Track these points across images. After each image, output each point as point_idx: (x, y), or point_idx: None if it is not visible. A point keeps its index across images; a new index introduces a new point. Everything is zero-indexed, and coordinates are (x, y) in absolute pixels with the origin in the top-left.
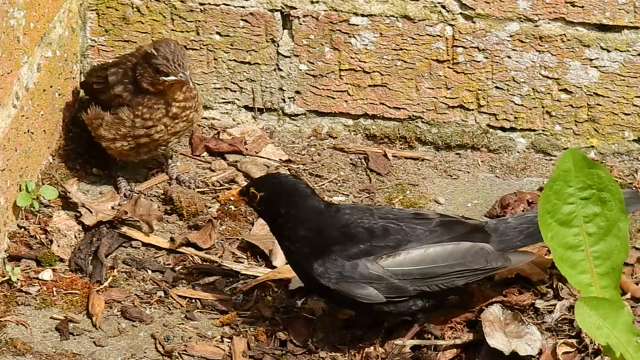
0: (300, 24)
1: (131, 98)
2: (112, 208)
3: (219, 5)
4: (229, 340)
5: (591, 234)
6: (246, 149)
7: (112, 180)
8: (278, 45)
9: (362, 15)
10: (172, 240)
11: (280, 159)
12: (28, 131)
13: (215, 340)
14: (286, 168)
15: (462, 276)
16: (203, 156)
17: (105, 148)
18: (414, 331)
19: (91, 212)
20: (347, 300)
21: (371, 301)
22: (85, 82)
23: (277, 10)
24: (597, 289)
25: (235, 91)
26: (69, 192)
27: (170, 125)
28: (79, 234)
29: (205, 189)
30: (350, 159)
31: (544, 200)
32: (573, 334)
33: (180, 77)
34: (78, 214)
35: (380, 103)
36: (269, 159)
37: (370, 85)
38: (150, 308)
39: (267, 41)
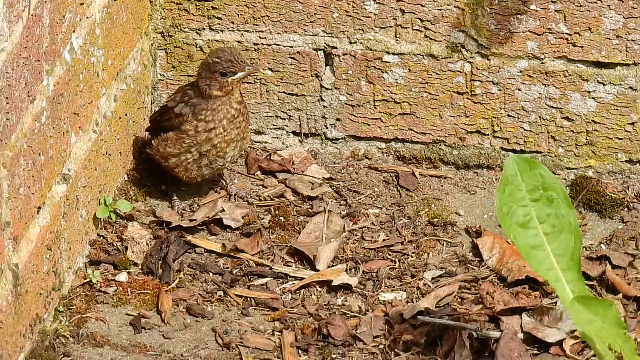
0: (340, 61)
1: (193, 110)
2: (182, 219)
3: (270, 45)
4: (279, 334)
5: (547, 233)
6: (294, 168)
7: (168, 197)
8: (321, 80)
9: (394, 54)
10: (223, 246)
11: (323, 177)
12: (106, 153)
13: (267, 334)
14: (328, 185)
15: None
16: (257, 174)
17: (172, 168)
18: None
19: (170, 224)
20: None
21: None
22: (149, 123)
23: (320, 50)
24: (564, 284)
25: (284, 119)
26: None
27: (228, 129)
28: (150, 242)
29: (259, 202)
30: (383, 177)
31: (501, 203)
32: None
33: (248, 69)
34: (149, 225)
35: (409, 129)
36: (313, 176)
37: (400, 114)
38: (211, 305)
39: (312, 76)
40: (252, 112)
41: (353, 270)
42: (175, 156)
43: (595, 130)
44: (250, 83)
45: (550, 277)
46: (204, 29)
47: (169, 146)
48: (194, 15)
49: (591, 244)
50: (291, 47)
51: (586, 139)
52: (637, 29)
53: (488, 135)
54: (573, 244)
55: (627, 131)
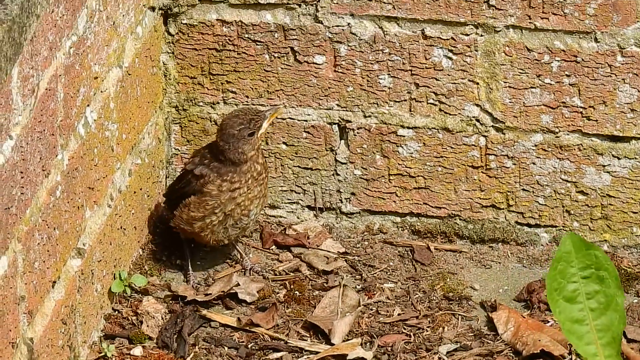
0: (355, 135)
1: (217, 172)
2: (197, 293)
3: (285, 119)
4: None
5: (593, 309)
6: (309, 243)
7: (183, 272)
8: (336, 154)
9: (408, 128)
10: (238, 320)
11: (338, 251)
12: (121, 227)
13: None
14: (343, 259)
15: None
16: (272, 249)
17: (198, 233)
18: None
19: (185, 298)
20: None
21: None
22: (166, 196)
23: (335, 123)
24: (601, 358)
25: (299, 193)
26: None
27: (251, 187)
28: (165, 316)
29: (274, 277)
30: (398, 251)
31: (551, 279)
32: None
33: (270, 112)
34: (164, 299)
35: (424, 203)
36: (328, 251)
37: (415, 188)
38: None
39: (327, 150)
40: (268, 187)
41: (368, 344)
42: (200, 220)
43: (610, 204)
44: (266, 157)
45: (588, 351)
46: (218, 102)
47: (192, 210)
48: (208, 89)
49: None
50: (306, 121)
51: (601, 213)
52: None
53: (503, 209)
54: (617, 323)
55: None
